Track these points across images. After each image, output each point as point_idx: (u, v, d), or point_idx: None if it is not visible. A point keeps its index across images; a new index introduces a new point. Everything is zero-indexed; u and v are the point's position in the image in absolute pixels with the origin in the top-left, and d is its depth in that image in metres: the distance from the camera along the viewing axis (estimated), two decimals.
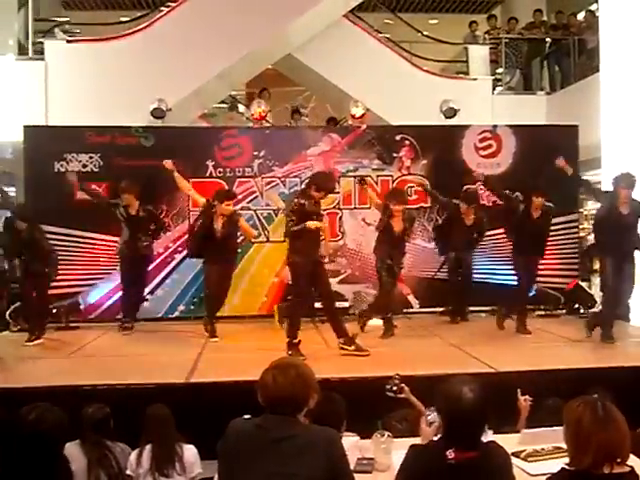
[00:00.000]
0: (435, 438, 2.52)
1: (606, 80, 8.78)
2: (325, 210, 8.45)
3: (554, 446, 3.11)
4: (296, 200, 6.13)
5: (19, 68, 9.64)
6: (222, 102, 12.80)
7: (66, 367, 5.96)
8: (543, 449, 3.15)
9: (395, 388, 3.75)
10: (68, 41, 9.95)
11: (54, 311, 7.84)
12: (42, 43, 9.81)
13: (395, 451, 2.69)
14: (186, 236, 7.85)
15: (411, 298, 8.63)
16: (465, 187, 8.19)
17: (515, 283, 7.50)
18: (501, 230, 8.26)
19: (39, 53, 9.73)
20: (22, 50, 10.12)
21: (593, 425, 2.24)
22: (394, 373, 3.88)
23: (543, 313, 8.35)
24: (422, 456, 2.50)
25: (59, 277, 7.47)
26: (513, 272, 7.53)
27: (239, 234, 7.52)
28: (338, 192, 8.77)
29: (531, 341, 6.81)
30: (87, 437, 3.80)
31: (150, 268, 8.06)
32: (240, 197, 8.59)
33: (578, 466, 2.27)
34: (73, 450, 3.62)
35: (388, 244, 7.11)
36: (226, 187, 8.23)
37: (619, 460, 2.23)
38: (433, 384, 2.70)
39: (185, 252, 8.26)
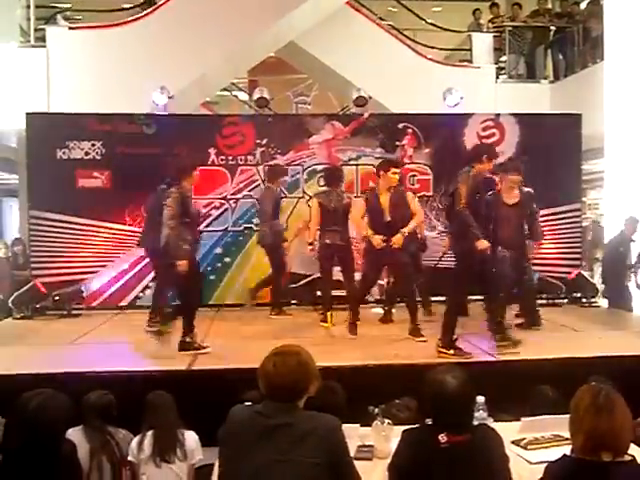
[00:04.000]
0: (428, 421, 2.56)
1: (610, 69, 8.74)
2: None
3: (554, 434, 3.12)
4: None
5: (21, 55, 9.62)
6: (224, 89, 12.78)
7: (69, 354, 5.98)
8: (543, 437, 3.16)
9: None
10: (70, 28, 9.92)
11: (57, 298, 7.88)
12: (44, 30, 9.78)
13: (395, 439, 2.71)
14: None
15: None
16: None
17: None
18: None
19: (41, 40, 9.70)
20: (24, 37, 10.09)
21: (587, 411, 2.26)
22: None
23: (545, 302, 8.33)
24: (415, 441, 2.54)
25: (62, 265, 7.47)
26: None
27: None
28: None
29: (532, 330, 6.79)
30: (90, 423, 3.82)
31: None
32: (242, 186, 8.60)
33: (577, 452, 2.28)
34: (76, 436, 3.63)
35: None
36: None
37: (617, 450, 2.23)
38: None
39: None
